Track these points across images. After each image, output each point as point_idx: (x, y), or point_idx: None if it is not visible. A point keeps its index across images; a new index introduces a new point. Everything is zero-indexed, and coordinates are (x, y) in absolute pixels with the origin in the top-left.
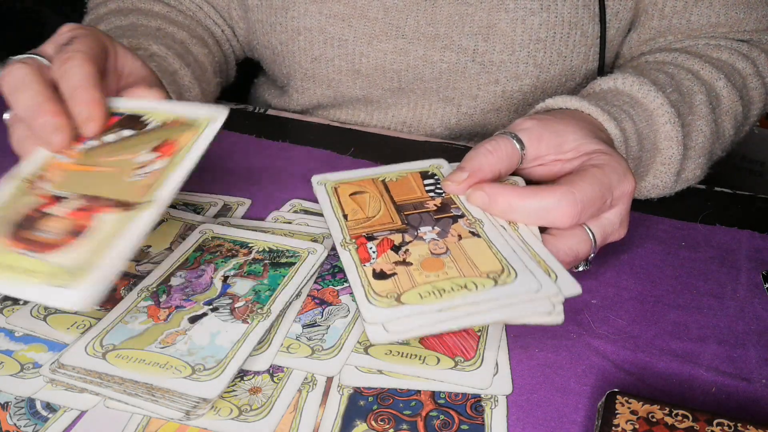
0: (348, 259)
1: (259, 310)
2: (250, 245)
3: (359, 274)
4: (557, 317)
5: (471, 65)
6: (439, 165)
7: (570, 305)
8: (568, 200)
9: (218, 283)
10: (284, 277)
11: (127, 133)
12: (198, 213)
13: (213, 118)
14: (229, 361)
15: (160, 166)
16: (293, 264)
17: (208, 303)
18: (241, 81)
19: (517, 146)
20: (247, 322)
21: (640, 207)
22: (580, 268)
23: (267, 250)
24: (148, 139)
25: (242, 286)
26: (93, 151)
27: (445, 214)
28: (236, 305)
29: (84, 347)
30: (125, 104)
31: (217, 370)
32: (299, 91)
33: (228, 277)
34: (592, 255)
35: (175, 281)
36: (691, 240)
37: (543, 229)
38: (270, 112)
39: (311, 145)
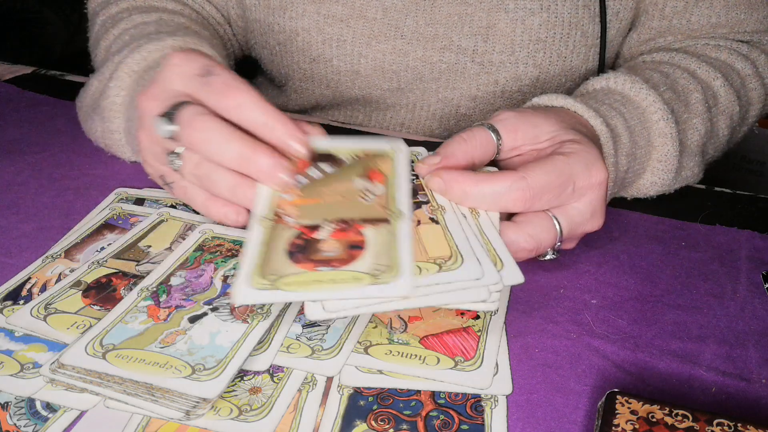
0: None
1: (259, 310)
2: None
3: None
4: (491, 305)
5: (470, 66)
6: (399, 149)
7: (570, 305)
8: (519, 185)
9: (218, 283)
10: None
11: (328, 168)
12: (198, 213)
13: (397, 148)
14: (229, 361)
15: (382, 189)
16: None
17: (208, 303)
18: None
19: (493, 136)
20: (247, 322)
21: (640, 207)
22: (548, 257)
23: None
24: (352, 171)
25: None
26: (308, 187)
27: (413, 199)
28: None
29: (84, 347)
30: (316, 143)
31: (217, 370)
32: (298, 91)
33: (228, 277)
34: (559, 244)
35: (175, 281)
36: (691, 240)
37: (510, 217)
38: None
39: None
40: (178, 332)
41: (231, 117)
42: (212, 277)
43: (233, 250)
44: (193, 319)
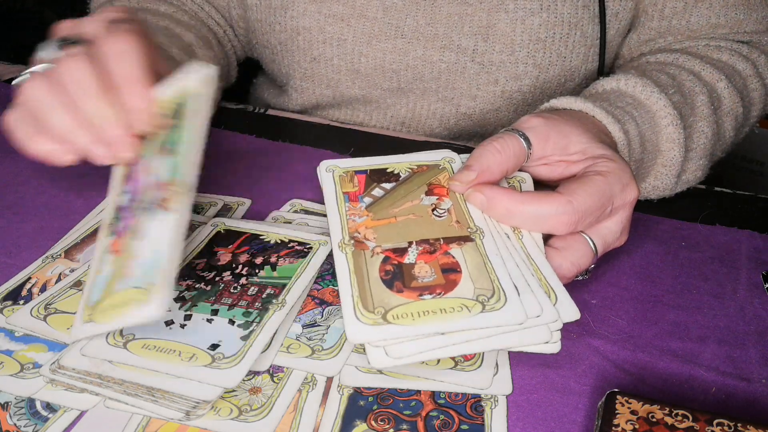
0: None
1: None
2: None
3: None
4: (553, 346)
5: (470, 65)
6: (450, 159)
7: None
8: (566, 209)
9: (146, 179)
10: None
11: (388, 186)
12: (198, 213)
13: (449, 158)
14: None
15: (450, 204)
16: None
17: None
18: (240, 81)
19: (525, 144)
20: (167, 209)
21: (640, 207)
22: (580, 278)
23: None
24: (412, 186)
25: (161, 165)
26: (374, 206)
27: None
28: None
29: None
30: (360, 162)
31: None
32: (298, 90)
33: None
34: (593, 266)
35: (121, 200)
36: (691, 240)
37: (546, 237)
38: (270, 112)
39: (311, 144)
40: (130, 258)
41: (109, 63)
42: (150, 171)
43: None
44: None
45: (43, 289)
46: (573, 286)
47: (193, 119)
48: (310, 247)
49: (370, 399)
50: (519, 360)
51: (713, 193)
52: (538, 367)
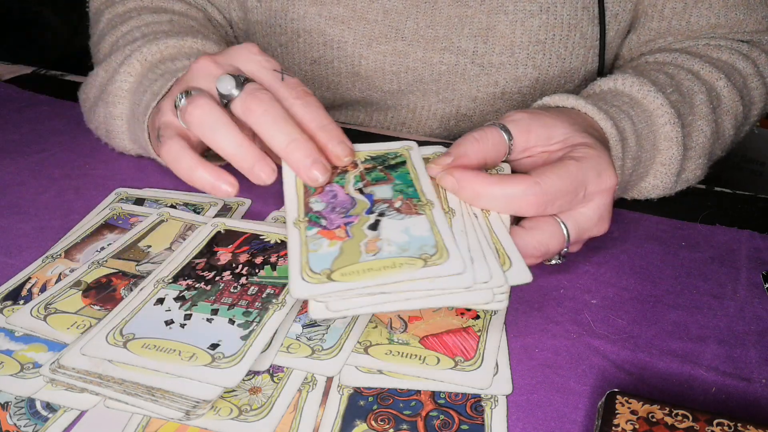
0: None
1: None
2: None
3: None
4: (497, 305)
5: (470, 67)
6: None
7: (570, 305)
8: (534, 191)
9: (358, 196)
10: (409, 174)
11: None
12: (198, 213)
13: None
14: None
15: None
16: (404, 162)
17: (369, 212)
18: None
19: (505, 136)
20: (420, 213)
21: (640, 207)
22: (553, 262)
23: (370, 158)
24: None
25: (383, 191)
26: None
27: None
28: (395, 205)
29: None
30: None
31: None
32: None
33: (360, 189)
34: (566, 249)
35: (316, 206)
36: (691, 240)
37: (518, 220)
38: None
39: None
40: (370, 240)
41: (294, 111)
42: (347, 194)
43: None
44: (374, 227)
45: (43, 289)
46: (571, 280)
47: (417, 166)
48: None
49: (370, 399)
50: (519, 360)
51: (713, 193)
52: (538, 367)
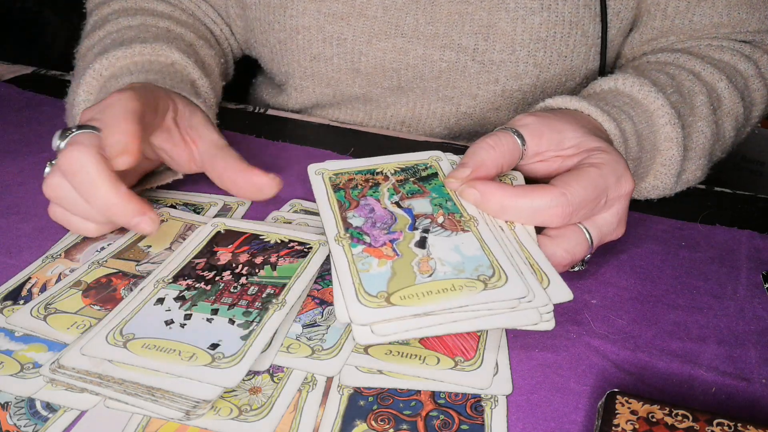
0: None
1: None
2: (376, 171)
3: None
4: (546, 324)
5: (471, 64)
6: (437, 157)
7: (570, 305)
8: (560, 201)
9: (396, 210)
10: (443, 186)
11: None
12: (198, 213)
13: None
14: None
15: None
16: (435, 173)
17: (412, 228)
18: (239, 81)
19: (519, 142)
20: (466, 230)
21: (640, 207)
22: (576, 269)
23: (400, 170)
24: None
25: (421, 205)
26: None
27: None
28: (438, 220)
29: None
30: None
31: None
32: (298, 89)
33: (397, 203)
34: (589, 255)
35: (356, 222)
36: (691, 240)
37: (540, 229)
38: (269, 112)
39: (311, 144)
40: (422, 259)
41: (101, 119)
42: (385, 208)
43: (369, 180)
44: (420, 244)
45: (43, 289)
46: (571, 280)
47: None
48: (310, 247)
49: (370, 399)
50: (519, 360)
51: (713, 193)
52: (538, 367)
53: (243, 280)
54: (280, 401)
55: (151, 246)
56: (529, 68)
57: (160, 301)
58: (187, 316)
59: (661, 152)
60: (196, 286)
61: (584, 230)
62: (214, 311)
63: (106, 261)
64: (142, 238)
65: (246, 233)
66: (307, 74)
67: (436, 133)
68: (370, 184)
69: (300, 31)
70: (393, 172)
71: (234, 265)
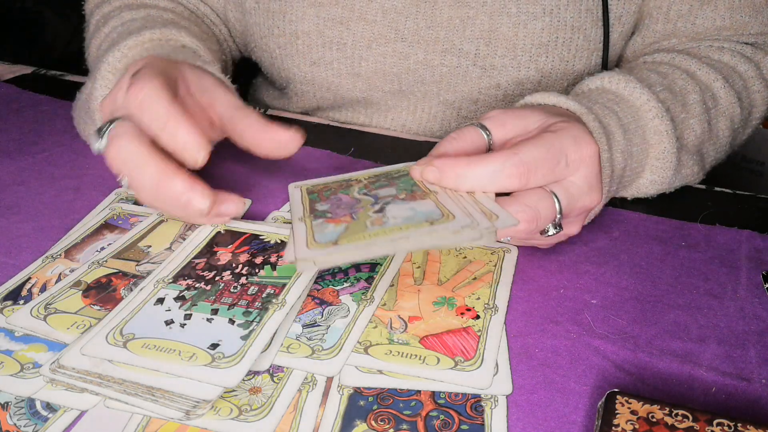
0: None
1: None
2: (351, 179)
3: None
4: (487, 240)
5: (472, 69)
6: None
7: (570, 305)
8: (513, 161)
9: (363, 197)
10: (412, 181)
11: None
12: None
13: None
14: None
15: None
16: (406, 174)
17: (374, 205)
18: (240, 81)
19: (483, 133)
20: (425, 199)
21: (640, 207)
22: (550, 232)
23: (374, 176)
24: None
25: (387, 191)
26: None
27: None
28: (400, 197)
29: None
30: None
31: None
32: (298, 94)
33: (365, 193)
34: (559, 217)
35: (321, 207)
36: (691, 240)
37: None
38: (270, 112)
39: (311, 145)
40: (377, 219)
41: (140, 118)
42: (352, 197)
43: (342, 183)
44: (378, 211)
45: (43, 289)
46: (571, 280)
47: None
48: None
49: (370, 399)
50: (519, 360)
51: (713, 193)
52: (538, 367)
53: (243, 280)
54: (280, 401)
55: (151, 246)
56: (530, 73)
57: (160, 301)
58: (187, 316)
59: (652, 146)
60: (196, 286)
61: (550, 191)
62: (214, 311)
63: (106, 261)
64: (142, 238)
65: (246, 233)
66: (307, 79)
67: (436, 136)
68: (343, 186)
69: (300, 36)
70: (367, 177)
71: (234, 265)
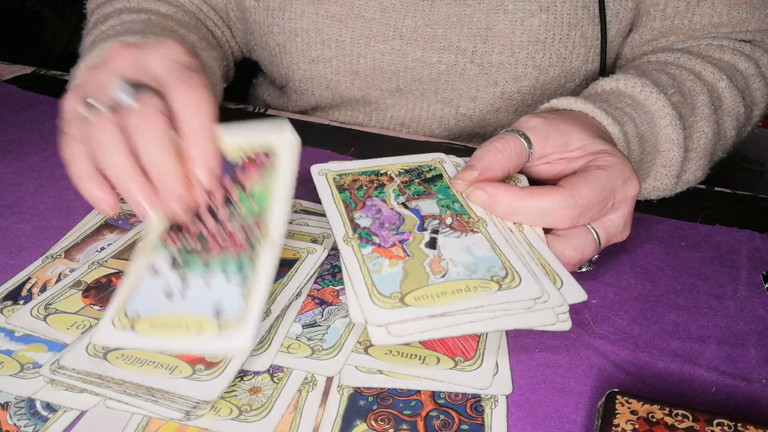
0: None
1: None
2: (380, 172)
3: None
4: (562, 325)
5: (470, 66)
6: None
7: (570, 305)
8: (568, 203)
9: (404, 211)
10: (449, 188)
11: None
12: None
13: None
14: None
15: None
16: (440, 175)
17: (421, 229)
18: (240, 81)
19: (525, 144)
20: (476, 231)
21: (640, 207)
22: (583, 269)
23: (404, 171)
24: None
25: (429, 206)
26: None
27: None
28: (447, 221)
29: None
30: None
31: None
32: (297, 92)
33: (404, 203)
34: (596, 256)
35: (363, 222)
36: (691, 240)
37: (547, 230)
38: (270, 111)
39: (311, 145)
40: (434, 260)
41: (183, 114)
42: (392, 209)
43: (374, 181)
44: (430, 245)
45: (43, 289)
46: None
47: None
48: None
49: (370, 399)
50: (519, 360)
51: (713, 193)
52: (538, 367)
53: (228, 226)
54: (280, 401)
55: None
56: (528, 70)
57: (155, 271)
58: (185, 282)
59: (661, 153)
60: (185, 245)
61: (592, 230)
62: (208, 267)
63: (106, 261)
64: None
65: None
66: (306, 77)
67: (435, 134)
68: (375, 185)
69: (299, 34)
70: (397, 173)
71: (214, 208)
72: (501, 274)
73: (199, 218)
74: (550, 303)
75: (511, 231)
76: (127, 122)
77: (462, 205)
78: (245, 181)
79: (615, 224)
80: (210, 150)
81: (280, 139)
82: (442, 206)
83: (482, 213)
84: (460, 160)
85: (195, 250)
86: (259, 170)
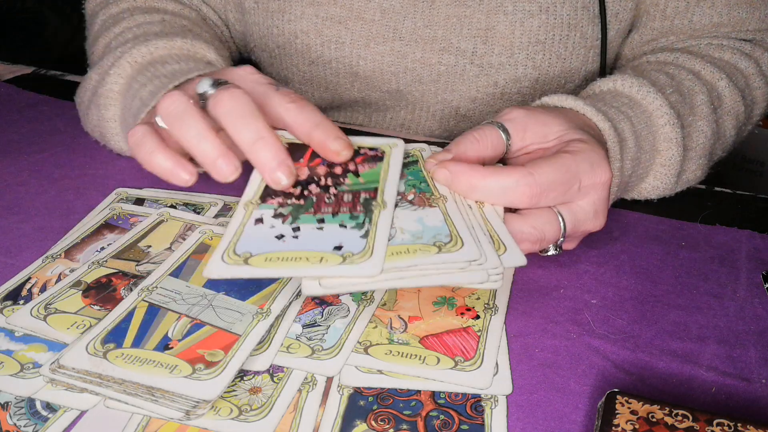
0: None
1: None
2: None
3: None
4: (492, 284)
5: (469, 67)
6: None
7: (570, 305)
8: (527, 181)
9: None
10: (422, 171)
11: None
12: (198, 213)
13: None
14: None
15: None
16: (416, 161)
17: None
18: None
19: (503, 136)
20: (434, 206)
21: (640, 207)
22: (550, 252)
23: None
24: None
25: (397, 185)
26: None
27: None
28: (408, 197)
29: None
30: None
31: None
32: (297, 94)
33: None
34: (562, 240)
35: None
36: (691, 240)
37: (513, 211)
38: None
39: None
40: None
41: (289, 116)
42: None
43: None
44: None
45: (43, 289)
46: (571, 280)
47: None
48: (383, 152)
49: (370, 399)
50: (519, 360)
51: (713, 193)
52: (538, 367)
53: (333, 190)
54: (280, 401)
55: (151, 246)
56: (528, 71)
57: (260, 221)
58: (296, 229)
59: (660, 153)
60: (289, 202)
61: (557, 213)
62: (320, 221)
63: (106, 261)
64: (142, 238)
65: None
66: (306, 78)
67: (435, 134)
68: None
69: (298, 36)
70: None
71: (317, 178)
72: (445, 241)
73: (303, 186)
74: (485, 265)
75: (470, 207)
76: (214, 100)
77: (428, 185)
78: (351, 166)
79: (584, 210)
80: (331, 128)
81: (389, 141)
82: (409, 185)
83: (445, 191)
84: (440, 150)
85: (300, 206)
86: (368, 161)
